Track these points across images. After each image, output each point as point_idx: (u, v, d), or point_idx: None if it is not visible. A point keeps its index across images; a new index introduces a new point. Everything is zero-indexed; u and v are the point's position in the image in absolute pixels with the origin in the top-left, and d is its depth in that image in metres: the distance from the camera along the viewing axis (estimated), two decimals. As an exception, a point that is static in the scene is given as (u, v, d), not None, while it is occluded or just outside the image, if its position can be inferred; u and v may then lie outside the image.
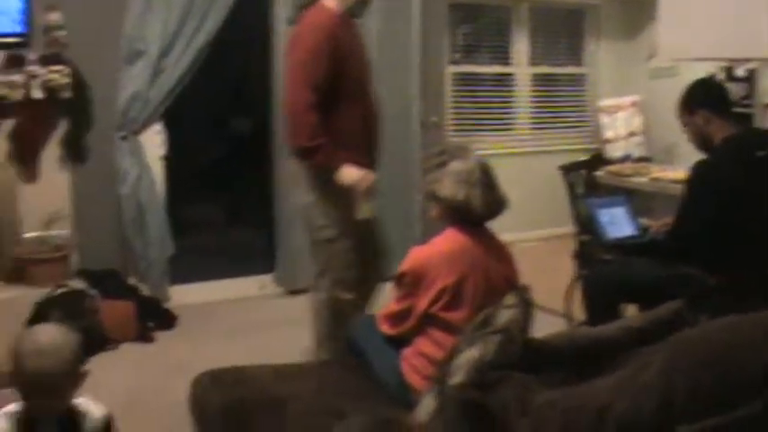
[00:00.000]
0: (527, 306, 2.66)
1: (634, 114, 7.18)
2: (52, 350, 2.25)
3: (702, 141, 3.79)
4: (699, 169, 3.73)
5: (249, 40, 6.10)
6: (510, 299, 2.65)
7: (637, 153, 7.03)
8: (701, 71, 5.84)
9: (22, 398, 2.26)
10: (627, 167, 6.37)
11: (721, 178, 3.64)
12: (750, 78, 6.09)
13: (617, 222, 4.18)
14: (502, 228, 3.17)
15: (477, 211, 3.01)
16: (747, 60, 5.77)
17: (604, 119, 7.26)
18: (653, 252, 3.98)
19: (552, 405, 2.07)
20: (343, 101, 3.79)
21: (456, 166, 3.03)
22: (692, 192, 3.69)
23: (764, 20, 4.21)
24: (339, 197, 3.82)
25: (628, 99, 7.30)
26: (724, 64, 6.06)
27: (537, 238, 7.03)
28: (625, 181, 6.08)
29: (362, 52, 4.02)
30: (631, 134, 7.16)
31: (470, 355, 2.42)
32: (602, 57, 7.84)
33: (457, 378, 2.36)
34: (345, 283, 3.97)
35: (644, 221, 4.27)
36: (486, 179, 3.04)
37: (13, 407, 2.33)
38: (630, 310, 4.08)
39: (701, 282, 3.65)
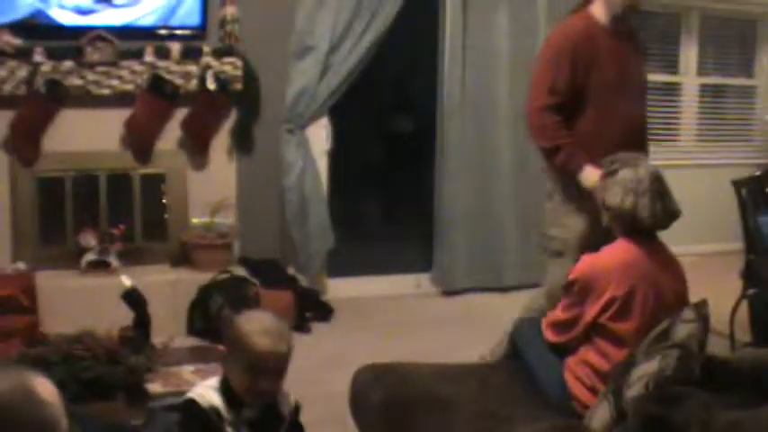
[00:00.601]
0: (705, 322, 2.58)
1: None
2: (282, 333, 2.43)
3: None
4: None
5: (417, 39, 6.12)
6: (689, 313, 2.58)
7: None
8: None
9: (248, 376, 2.37)
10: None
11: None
12: None
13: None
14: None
15: (644, 220, 2.98)
16: None
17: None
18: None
19: (736, 426, 1.99)
20: (592, 106, 3.83)
21: (625, 174, 3.02)
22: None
23: None
24: (581, 206, 3.79)
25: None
26: None
27: (700, 253, 6.80)
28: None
29: (624, 60, 3.96)
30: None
31: (649, 367, 2.36)
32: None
33: (635, 390, 2.31)
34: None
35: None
36: (656, 188, 3.01)
37: (214, 381, 2.45)
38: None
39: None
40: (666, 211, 3.01)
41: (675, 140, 7.37)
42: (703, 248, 6.87)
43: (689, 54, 7.31)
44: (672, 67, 7.32)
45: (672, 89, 7.34)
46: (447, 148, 5.81)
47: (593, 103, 3.83)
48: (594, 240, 3.52)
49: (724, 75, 7.59)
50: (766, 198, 5.28)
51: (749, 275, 4.65)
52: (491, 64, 5.87)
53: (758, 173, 5.47)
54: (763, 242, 4.28)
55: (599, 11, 3.91)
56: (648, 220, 2.98)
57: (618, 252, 3.00)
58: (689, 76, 7.34)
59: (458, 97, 5.77)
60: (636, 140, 3.87)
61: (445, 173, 5.82)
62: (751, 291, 4.52)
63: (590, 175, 3.64)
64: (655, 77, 7.28)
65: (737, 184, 4.94)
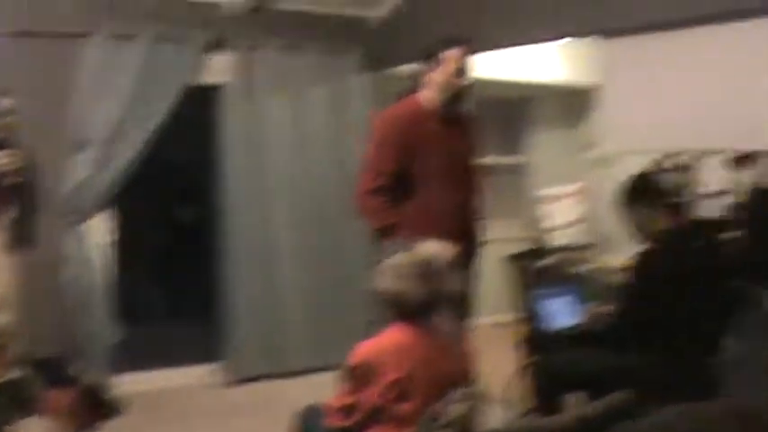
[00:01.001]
0: (476, 400, 2.68)
1: (576, 203, 7.30)
2: None
3: (643, 233, 3.91)
4: (640, 259, 3.83)
5: (201, 128, 6.13)
6: (459, 393, 2.67)
7: (580, 241, 7.12)
8: (640, 160, 6.01)
9: None
10: (570, 256, 6.44)
11: (662, 268, 3.74)
12: (688, 167, 6.24)
13: (563, 311, 4.24)
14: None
15: (413, 304, 3.04)
16: (684, 152, 5.93)
17: (546, 208, 7.36)
18: (598, 340, 4.04)
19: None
20: (419, 189, 4.08)
21: (395, 259, 3.09)
22: (635, 281, 3.79)
23: (700, 112, 4.38)
24: None
25: (570, 188, 7.42)
26: (663, 154, 6.22)
27: (482, 325, 7.04)
28: (569, 269, 6.14)
29: (451, 146, 4.18)
30: (574, 222, 7.26)
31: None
32: (543, 146, 8.00)
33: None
34: None
35: (588, 309, 4.33)
36: (425, 271, 3.08)
37: None
38: (576, 400, 4.11)
39: (647, 370, 3.71)
40: (438, 294, 3.10)
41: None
42: (486, 320, 7.10)
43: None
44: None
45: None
46: (231, 236, 5.82)
47: (421, 186, 4.07)
48: None
49: (497, 154, 7.95)
50: (538, 272, 5.58)
51: (528, 345, 4.87)
52: (271, 152, 5.93)
53: (528, 248, 5.78)
54: (538, 314, 4.49)
55: (428, 96, 4.15)
56: (418, 303, 3.05)
57: (394, 336, 3.05)
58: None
59: (239, 185, 5.80)
60: (463, 223, 4.20)
61: (229, 260, 5.83)
62: (530, 360, 4.70)
63: (429, 247, 3.69)
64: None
65: (511, 258, 5.21)
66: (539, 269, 5.57)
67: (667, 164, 6.24)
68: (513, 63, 7.02)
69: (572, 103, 7.76)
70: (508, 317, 5.96)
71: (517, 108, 8.05)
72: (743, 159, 5.55)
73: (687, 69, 4.49)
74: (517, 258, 5.29)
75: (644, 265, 3.82)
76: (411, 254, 3.12)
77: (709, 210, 6.01)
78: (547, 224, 7.30)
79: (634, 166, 5.20)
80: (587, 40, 5.17)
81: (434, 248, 3.32)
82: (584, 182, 7.26)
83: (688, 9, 4.31)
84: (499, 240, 7.22)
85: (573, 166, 7.59)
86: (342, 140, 6.16)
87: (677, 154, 6.08)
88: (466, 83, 4.15)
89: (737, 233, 4.21)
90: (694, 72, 4.45)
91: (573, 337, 4.22)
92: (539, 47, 6.32)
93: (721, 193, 5.88)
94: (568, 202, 7.35)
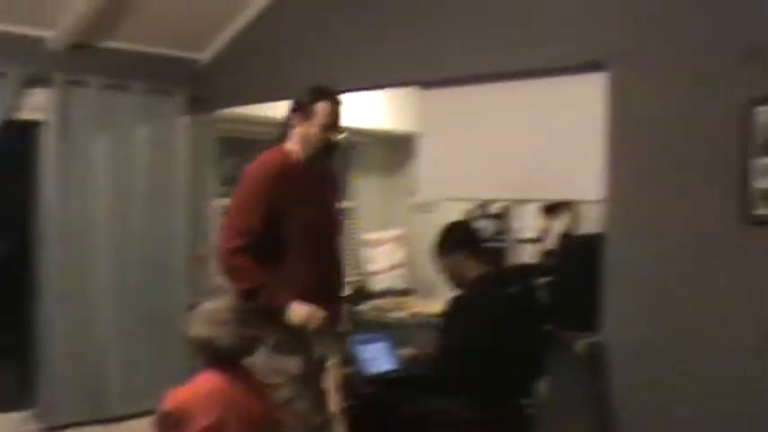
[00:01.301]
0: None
1: (397, 248, 7.41)
2: None
3: (458, 279, 4.00)
4: (454, 305, 3.92)
5: (17, 165, 5.89)
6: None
7: (399, 285, 7.23)
8: (458, 207, 6.17)
9: None
10: (388, 302, 6.49)
11: (476, 314, 3.83)
12: (503, 215, 6.46)
13: (377, 357, 4.29)
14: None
15: (224, 350, 3.05)
16: (500, 200, 6.13)
17: (368, 252, 7.44)
18: (413, 385, 4.09)
19: None
20: (288, 246, 3.77)
21: (205, 306, 3.09)
22: (449, 327, 3.86)
23: (514, 162, 4.52)
24: (293, 347, 3.75)
25: (390, 233, 7.54)
26: (480, 202, 6.41)
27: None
28: (386, 316, 6.20)
29: (321, 200, 3.98)
30: (394, 267, 7.37)
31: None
32: (365, 192, 8.09)
33: None
34: None
35: (403, 354, 4.39)
36: (236, 317, 3.09)
37: None
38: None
39: (458, 413, 3.78)
40: (248, 339, 3.12)
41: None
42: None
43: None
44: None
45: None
46: (46, 274, 5.60)
47: (290, 243, 3.76)
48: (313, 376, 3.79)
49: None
50: (355, 316, 5.63)
51: (345, 390, 4.87)
52: (91, 191, 5.77)
53: (349, 292, 5.82)
54: (353, 359, 4.51)
55: (295, 149, 3.87)
56: (229, 349, 3.05)
57: (205, 382, 3.05)
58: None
59: (56, 222, 5.60)
60: (331, 283, 3.98)
61: (44, 300, 5.60)
62: (347, 403, 4.72)
63: (299, 311, 3.66)
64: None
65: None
66: (354, 315, 5.62)
67: (483, 211, 6.45)
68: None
69: (395, 150, 7.89)
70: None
71: (342, 153, 8.12)
72: (554, 208, 5.80)
73: (501, 121, 4.62)
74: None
75: (457, 310, 3.90)
76: (221, 300, 3.10)
77: (525, 256, 6.23)
78: (369, 268, 7.37)
79: (451, 213, 5.33)
80: (409, 89, 5.27)
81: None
82: (404, 227, 7.38)
83: (503, 63, 4.47)
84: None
85: (395, 212, 7.71)
86: (163, 181, 6.05)
87: (492, 202, 6.30)
88: (336, 137, 3.91)
89: (549, 278, 4.35)
90: (508, 124, 4.59)
91: (390, 381, 4.26)
92: (362, 94, 6.42)
93: (535, 240, 6.11)
94: (389, 247, 7.45)
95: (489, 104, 4.67)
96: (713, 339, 3.66)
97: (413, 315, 6.03)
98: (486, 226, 6.39)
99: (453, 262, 3.95)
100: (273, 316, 3.65)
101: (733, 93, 3.59)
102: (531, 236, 6.20)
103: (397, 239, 7.47)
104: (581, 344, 4.02)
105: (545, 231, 5.96)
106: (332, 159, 4.00)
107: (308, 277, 3.76)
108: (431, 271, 4.49)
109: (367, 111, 7.30)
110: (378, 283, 7.24)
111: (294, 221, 3.75)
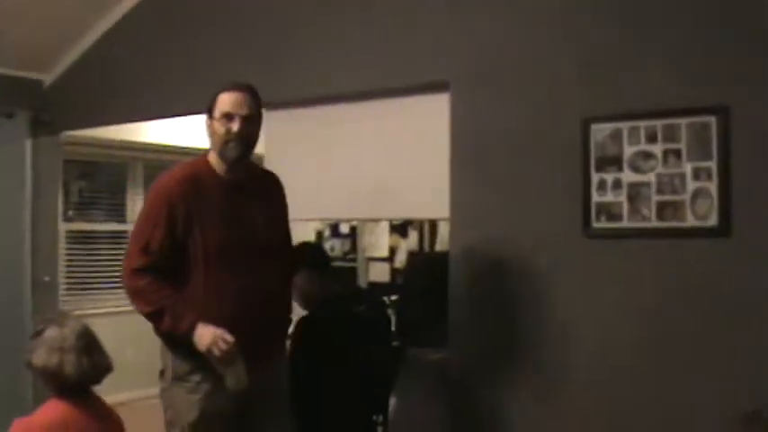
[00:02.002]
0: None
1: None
2: None
3: (307, 300, 4.03)
4: (302, 326, 3.94)
5: None
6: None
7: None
8: (309, 228, 6.22)
9: None
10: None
11: (323, 335, 3.86)
12: (353, 235, 6.55)
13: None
14: (119, 388, 3.14)
15: (71, 377, 2.97)
16: (349, 220, 6.21)
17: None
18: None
19: None
20: (200, 270, 3.28)
21: (50, 333, 3.01)
22: (297, 349, 3.88)
23: (363, 182, 4.59)
24: (197, 383, 3.29)
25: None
26: (330, 222, 6.48)
27: (156, 396, 6.92)
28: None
29: (250, 213, 3.42)
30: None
31: None
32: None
33: None
34: None
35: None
36: (83, 344, 3.02)
37: None
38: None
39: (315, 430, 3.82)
40: (96, 366, 3.04)
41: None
42: (137, 394, 7.02)
43: (136, 202, 7.56)
44: (120, 215, 7.50)
45: (121, 238, 7.50)
46: None
47: (202, 265, 3.27)
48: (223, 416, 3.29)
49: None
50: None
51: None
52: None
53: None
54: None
55: (212, 155, 3.41)
56: (75, 377, 2.98)
57: (49, 411, 2.97)
58: (137, 224, 7.54)
59: None
60: (261, 311, 3.34)
61: None
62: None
63: (204, 336, 3.14)
64: (103, 227, 7.41)
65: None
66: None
67: (333, 231, 6.52)
68: (188, 131, 7.05)
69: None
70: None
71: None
72: (403, 228, 5.91)
73: (350, 141, 4.69)
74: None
75: (305, 330, 3.93)
76: (66, 327, 3.03)
77: (375, 274, 6.33)
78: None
79: (302, 233, 5.37)
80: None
81: (77, 322, 3.12)
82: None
83: (350, 84, 4.54)
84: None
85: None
86: (6, 205, 5.88)
87: (343, 222, 6.38)
88: (239, 128, 3.32)
89: (398, 296, 4.44)
90: (357, 144, 4.66)
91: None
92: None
93: (385, 258, 6.21)
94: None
95: (337, 125, 4.74)
96: (554, 350, 3.80)
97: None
98: (336, 245, 6.47)
99: (301, 282, 3.98)
100: (181, 345, 3.24)
101: (572, 111, 3.76)
102: (381, 254, 6.30)
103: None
104: (429, 359, 4.12)
105: (395, 250, 6.07)
106: (243, 156, 3.38)
107: (229, 302, 3.26)
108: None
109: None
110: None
111: (209, 238, 3.27)
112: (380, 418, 4.15)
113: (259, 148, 5.95)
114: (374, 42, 4.44)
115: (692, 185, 3.49)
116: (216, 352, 3.11)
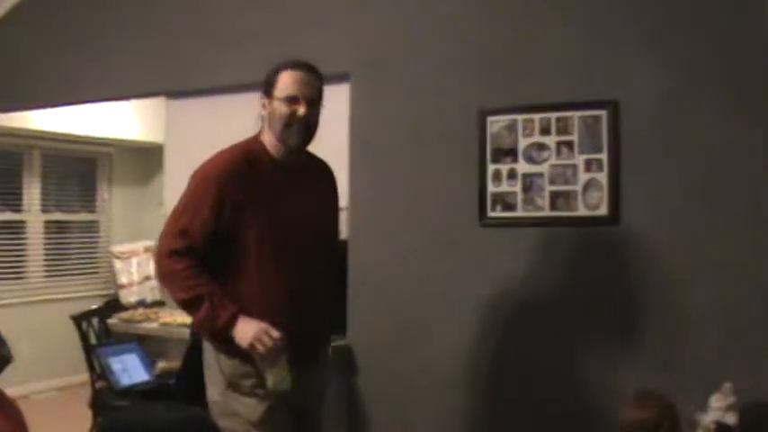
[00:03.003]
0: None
1: (148, 260, 7.33)
2: None
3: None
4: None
5: None
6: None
7: (151, 298, 7.15)
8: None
9: None
10: (138, 313, 6.40)
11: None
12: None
13: (130, 369, 4.25)
14: (16, 381, 3.10)
15: None
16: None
17: (119, 265, 7.33)
18: (165, 396, 4.09)
19: None
20: (251, 254, 2.92)
21: None
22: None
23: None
24: (252, 384, 2.93)
25: (141, 244, 7.45)
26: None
27: (54, 388, 6.85)
28: (136, 327, 6.09)
29: (304, 200, 3.05)
30: (146, 279, 7.29)
31: None
32: (115, 203, 7.97)
33: None
34: None
35: (156, 365, 4.38)
36: None
37: None
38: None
39: (211, 420, 3.82)
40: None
41: (23, 278, 7.34)
42: (59, 382, 6.93)
43: (32, 192, 7.41)
44: (16, 205, 7.35)
45: (17, 227, 7.35)
46: None
47: (256, 257, 2.93)
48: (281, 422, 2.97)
49: (68, 211, 7.81)
50: (106, 329, 5.54)
51: (97, 404, 4.79)
52: None
53: (96, 306, 5.72)
54: (105, 372, 4.45)
55: (267, 137, 3.07)
56: None
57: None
58: (33, 214, 7.43)
59: None
60: (312, 307, 3.05)
61: None
62: (99, 419, 4.64)
63: (246, 330, 2.80)
64: (-2, 216, 7.26)
65: (77, 318, 5.12)
66: (105, 327, 5.53)
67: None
68: (87, 119, 6.96)
69: (147, 161, 7.82)
70: (81, 377, 5.85)
71: (91, 164, 7.95)
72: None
73: (253, 131, 4.69)
74: (83, 317, 5.20)
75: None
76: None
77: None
78: (120, 281, 7.26)
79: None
80: (158, 99, 5.26)
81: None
82: (154, 239, 7.31)
83: (250, 75, 4.55)
84: (73, 299, 7.10)
85: (147, 224, 7.62)
86: None
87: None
88: (304, 111, 2.96)
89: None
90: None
91: (142, 393, 4.24)
92: (113, 104, 6.33)
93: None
94: (140, 259, 7.37)
95: (240, 115, 4.72)
96: (447, 332, 3.90)
97: (163, 326, 5.99)
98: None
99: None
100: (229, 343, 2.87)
101: (469, 104, 3.85)
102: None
103: (148, 251, 7.39)
104: (330, 346, 4.15)
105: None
106: (305, 142, 3.04)
107: (284, 297, 2.94)
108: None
109: (117, 121, 7.20)
110: (129, 296, 7.15)
111: (258, 226, 2.92)
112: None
113: (159, 137, 5.96)
114: (277, 34, 4.46)
115: (583, 176, 3.61)
116: (260, 348, 2.77)
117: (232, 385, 2.96)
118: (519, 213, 3.74)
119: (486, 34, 3.85)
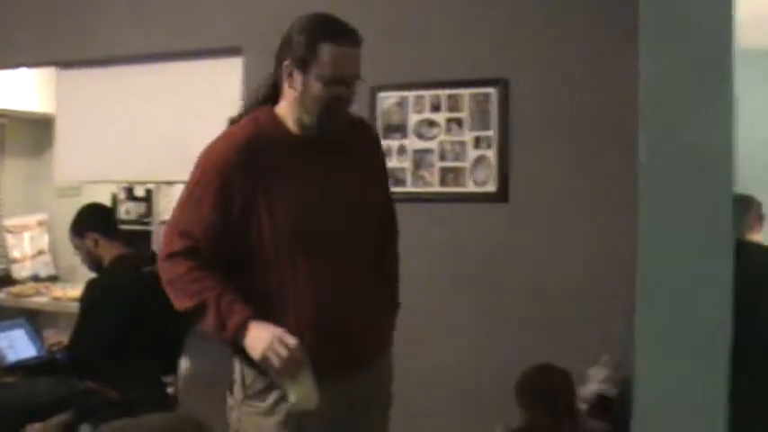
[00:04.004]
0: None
1: (41, 233, 7.20)
2: None
3: (94, 262, 3.99)
4: (90, 288, 3.90)
5: None
6: None
7: (44, 272, 7.03)
8: (104, 191, 6.12)
9: None
10: (28, 288, 6.28)
11: (112, 295, 3.84)
12: (148, 198, 6.48)
13: (16, 345, 4.19)
14: None
15: None
16: (144, 182, 6.15)
17: (11, 239, 7.18)
18: (54, 370, 4.05)
19: None
20: (268, 259, 2.43)
21: None
22: (85, 310, 3.84)
23: (157, 145, 4.57)
24: (273, 402, 2.44)
25: (34, 218, 7.30)
26: (125, 185, 6.38)
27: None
28: (26, 301, 5.99)
29: (339, 184, 2.52)
30: (39, 253, 7.15)
31: None
32: (6, 175, 7.77)
33: None
34: None
35: (46, 339, 4.32)
36: None
37: None
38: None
39: (99, 396, 3.80)
40: None
41: None
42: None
43: None
44: None
45: None
46: None
47: (273, 255, 2.43)
48: None
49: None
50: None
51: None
52: None
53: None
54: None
55: (286, 110, 2.49)
56: None
57: None
58: None
59: None
60: (356, 310, 2.52)
61: None
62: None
63: (258, 340, 2.32)
64: None
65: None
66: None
67: (128, 194, 6.44)
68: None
69: (39, 132, 7.65)
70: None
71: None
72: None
73: (144, 103, 4.66)
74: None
75: (93, 293, 3.89)
76: None
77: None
78: (12, 255, 7.11)
79: (98, 196, 5.29)
80: (51, 69, 5.16)
81: None
82: (49, 212, 7.19)
83: (147, 46, 4.51)
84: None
85: (40, 196, 7.48)
86: None
87: (139, 184, 6.31)
88: (344, 97, 2.45)
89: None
90: (151, 106, 4.63)
91: (32, 368, 4.18)
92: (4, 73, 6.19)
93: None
94: (33, 233, 7.23)
95: (132, 86, 4.69)
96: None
97: (55, 300, 5.90)
98: (131, 209, 6.39)
99: (88, 243, 3.93)
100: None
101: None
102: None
103: (41, 225, 7.26)
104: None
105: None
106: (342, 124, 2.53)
107: (311, 302, 2.43)
108: (74, 257, 4.44)
109: (9, 90, 7.03)
110: (21, 270, 7.01)
111: (283, 218, 2.42)
112: (171, 379, 4.16)
113: (49, 108, 5.85)
114: (169, 6, 4.41)
115: (473, 153, 3.69)
116: (275, 361, 2.30)
117: (251, 397, 2.47)
118: (409, 189, 3.79)
119: (377, 10, 3.88)
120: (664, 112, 2.00)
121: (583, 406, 3.20)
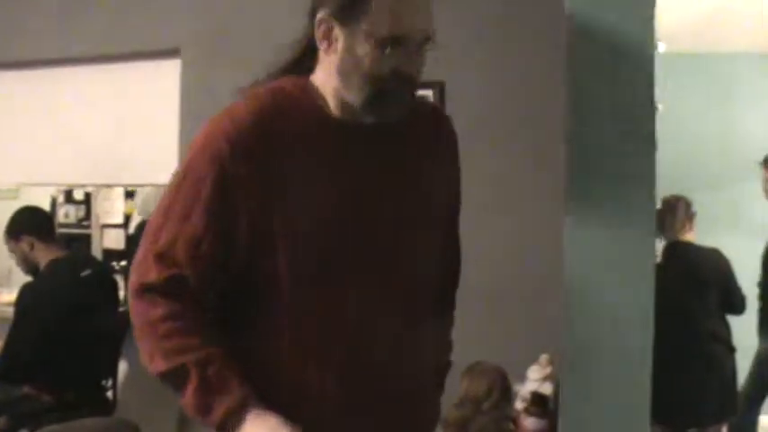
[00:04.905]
0: None
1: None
2: None
3: (29, 266, 3.94)
4: (25, 292, 3.86)
5: None
6: None
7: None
8: (43, 194, 6.03)
9: None
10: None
11: (47, 300, 3.80)
12: (87, 201, 6.41)
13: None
14: None
15: None
16: (83, 185, 6.08)
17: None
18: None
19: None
20: (283, 291, 1.70)
21: None
22: (19, 315, 3.80)
23: (95, 148, 4.53)
24: None
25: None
26: (64, 188, 6.31)
27: None
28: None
29: (376, 190, 1.76)
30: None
31: None
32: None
33: None
34: None
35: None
36: None
37: None
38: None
39: (34, 401, 3.76)
40: None
41: None
42: None
43: None
44: None
45: None
46: None
47: (288, 290, 1.70)
48: None
49: None
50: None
51: None
52: None
53: None
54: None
55: (324, 84, 1.77)
56: None
57: None
58: None
59: None
60: (403, 367, 1.80)
61: None
62: None
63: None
64: None
65: None
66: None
67: (67, 197, 6.37)
68: None
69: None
70: None
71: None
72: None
73: (83, 106, 4.61)
74: None
75: (28, 297, 3.84)
76: None
77: (109, 241, 6.24)
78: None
79: (36, 199, 5.23)
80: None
81: None
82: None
83: (81, 49, 4.46)
84: None
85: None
86: None
87: (78, 186, 6.24)
88: (405, 69, 1.70)
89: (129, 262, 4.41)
90: (90, 109, 4.58)
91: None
92: None
93: (120, 225, 6.14)
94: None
95: (69, 88, 4.65)
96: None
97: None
98: (70, 212, 6.33)
99: (23, 248, 3.89)
100: None
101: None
102: (116, 221, 6.23)
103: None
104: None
105: (130, 216, 6.02)
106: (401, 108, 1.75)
107: (340, 361, 1.73)
108: (7, 262, 4.38)
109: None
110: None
111: (305, 236, 1.70)
112: (110, 383, 4.14)
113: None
114: (105, 6, 4.37)
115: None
116: None
117: None
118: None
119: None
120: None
121: (521, 404, 3.24)
